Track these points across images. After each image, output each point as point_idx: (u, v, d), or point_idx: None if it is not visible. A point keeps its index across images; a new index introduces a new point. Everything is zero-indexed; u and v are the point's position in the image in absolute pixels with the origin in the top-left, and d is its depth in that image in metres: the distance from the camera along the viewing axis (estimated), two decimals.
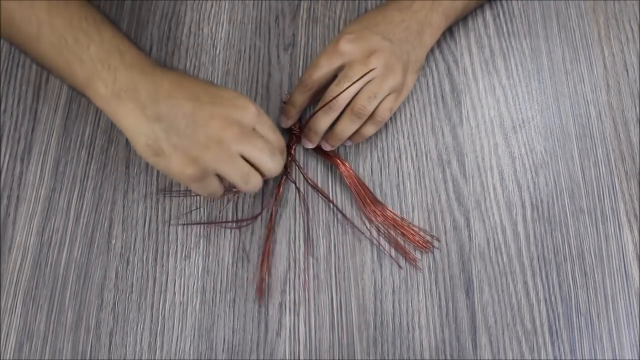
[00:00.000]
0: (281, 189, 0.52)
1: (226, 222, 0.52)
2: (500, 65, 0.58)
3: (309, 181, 0.53)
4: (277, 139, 0.45)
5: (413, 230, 0.51)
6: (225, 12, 0.60)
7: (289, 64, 0.58)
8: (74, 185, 0.53)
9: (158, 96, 0.40)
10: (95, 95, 0.40)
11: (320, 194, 0.53)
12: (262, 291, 0.50)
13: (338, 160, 0.53)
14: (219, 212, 0.53)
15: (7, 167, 0.53)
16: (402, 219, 0.52)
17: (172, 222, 0.52)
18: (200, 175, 0.41)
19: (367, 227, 0.52)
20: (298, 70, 0.58)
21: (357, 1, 0.61)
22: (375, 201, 0.52)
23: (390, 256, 0.51)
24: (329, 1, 0.61)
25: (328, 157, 0.53)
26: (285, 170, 0.53)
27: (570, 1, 0.61)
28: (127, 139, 0.54)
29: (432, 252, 0.52)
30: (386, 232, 0.51)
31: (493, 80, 0.58)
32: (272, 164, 0.44)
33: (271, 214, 0.52)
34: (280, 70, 0.58)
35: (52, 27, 0.40)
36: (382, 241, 0.52)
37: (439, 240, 0.52)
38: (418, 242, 0.51)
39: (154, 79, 0.41)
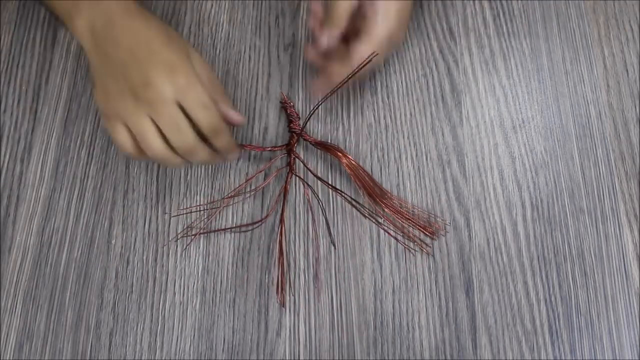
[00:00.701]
0: (287, 187, 0.52)
1: (232, 228, 0.52)
2: (500, 65, 0.58)
3: (315, 174, 0.53)
4: (203, 118, 0.43)
5: (421, 217, 0.51)
6: (225, 12, 0.60)
7: (289, 64, 0.58)
8: (74, 185, 0.53)
9: (108, 37, 0.44)
10: (68, 27, 0.47)
11: (330, 187, 0.53)
12: (283, 295, 0.50)
13: (339, 153, 0.52)
14: (219, 212, 0.53)
15: (7, 167, 0.53)
16: (412, 207, 0.52)
17: (178, 236, 0.52)
18: (110, 114, 0.44)
19: (375, 220, 0.52)
20: (298, 70, 0.58)
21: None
22: (381, 191, 0.52)
23: (403, 245, 0.51)
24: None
25: (329, 151, 0.53)
26: (290, 169, 0.53)
27: (570, 1, 0.61)
28: None
29: (434, 250, 0.52)
30: (395, 221, 0.52)
31: (493, 80, 0.58)
32: (176, 139, 0.43)
33: (281, 215, 0.52)
34: (280, 70, 0.58)
35: None
36: (393, 231, 0.52)
37: (448, 225, 0.52)
38: (427, 229, 0.51)
39: (112, 20, 0.44)
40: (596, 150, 0.55)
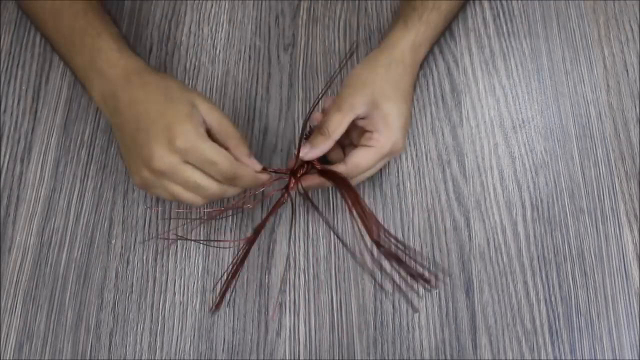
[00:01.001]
0: (276, 210, 0.49)
1: (205, 241, 0.52)
2: (500, 65, 0.58)
3: (314, 206, 0.51)
4: (216, 173, 0.43)
5: (417, 266, 0.45)
6: (225, 12, 0.60)
7: (289, 64, 0.58)
8: (74, 185, 0.53)
9: (116, 109, 0.45)
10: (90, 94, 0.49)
11: (325, 221, 0.52)
12: (221, 302, 0.48)
13: (342, 186, 0.46)
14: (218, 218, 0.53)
15: (7, 167, 0.53)
16: (409, 251, 0.48)
17: (160, 236, 0.52)
18: (140, 186, 0.45)
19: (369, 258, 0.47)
20: (298, 70, 0.58)
21: (357, 1, 0.61)
22: (378, 232, 0.45)
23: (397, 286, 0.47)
24: (329, 1, 0.61)
25: (334, 182, 0.48)
26: (287, 193, 0.48)
27: (570, 1, 0.61)
28: None
29: (434, 251, 0.52)
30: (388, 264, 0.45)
31: (493, 80, 0.58)
32: (201, 195, 0.44)
33: (258, 229, 0.48)
34: (280, 70, 0.58)
35: (57, 39, 0.51)
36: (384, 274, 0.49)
37: (443, 275, 0.51)
38: (423, 277, 0.45)
39: (117, 91, 0.46)
40: (596, 150, 0.55)
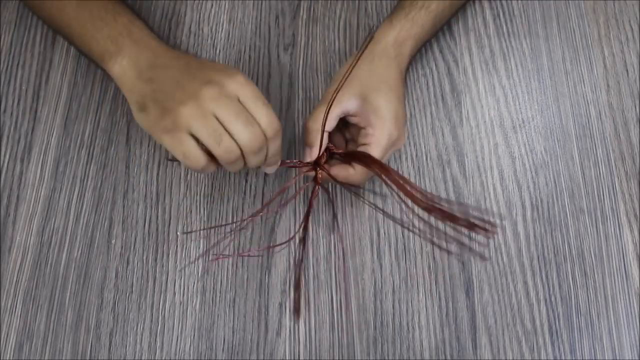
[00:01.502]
0: (312, 203, 0.49)
1: (259, 250, 0.52)
2: (500, 65, 0.58)
3: (347, 187, 0.49)
4: (265, 113, 0.43)
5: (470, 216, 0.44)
6: (225, 12, 0.60)
7: (289, 64, 0.58)
8: (74, 185, 0.53)
9: (155, 64, 0.45)
10: (105, 66, 0.47)
11: (373, 205, 0.51)
12: (299, 311, 0.50)
13: (371, 162, 0.46)
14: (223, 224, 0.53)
15: (7, 167, 0.53)
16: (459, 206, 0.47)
17: (203, 256, 0.52)
18: (172, 127, 0.41)
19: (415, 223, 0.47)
20: (298, 70, 0.58)
21: (357, 1, 0.61)
22: (421, 194, 0.45)
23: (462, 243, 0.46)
24: (329, 1, 0.61)
25: (358, 160, 0.47)
26: (317, 183, 0.48)
27: (570, 1, 0.61)
28: (126, 139, 0.55)
29: (434, 253, 0.52)
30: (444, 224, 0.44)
31: (493, 80, 0.58)
32: (246, 134, 0.41)
33: (303, 235, 0.49)
34: (280, 70, 0.58)
35: (78, 20, 0.49)
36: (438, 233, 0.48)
37: (499, 221, 0.50)
38: (482, 227, 0.43)
39: (156, 52, 0.46)
40: (596, 150, 0.55)
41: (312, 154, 0.47)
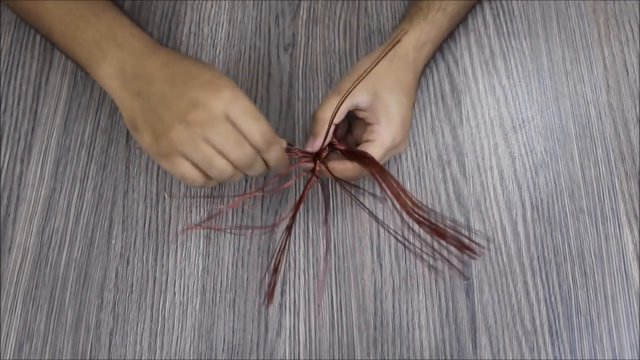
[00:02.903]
0: (305, 194, 0.49)
1: (243, 228, 0.52)
2: (500, 65, 0.58)
3: (344, 186, 0.49)
4: (255, 129, 0.42)
5: (459, 235, 0.46)
6: (225, 12, 0.60)
7: (289, 64, 0.58)
8: (74, 185, 0.53)
9: (140, 74, 0.44)
10: (92, 73, 0.46)
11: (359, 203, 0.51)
12: (272, 295, 0.49)
13: (368, 161, 0.46)
14: (219, 214, 0.53)
15: (7, 167, 0.53)
16: (449, 220, 0.49)
17: (182, 229, 0.52)
18: (165, 152, 0.42)
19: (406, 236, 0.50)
20: (298, 70, 0.58)
21: (357, 1, 0.61)
22: (413, 203, 0.46)
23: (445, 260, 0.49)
24: (329, 1, 0.61)
25: (358, 160, 0.47)
26: (314, 175, 0.48)
27: (570, 1, 0.61)
28: (126, 139, 0.55)
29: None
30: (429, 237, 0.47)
31: (493, 80, 0.58)
32: (236, 155, 0.42)
33: (290, 222, 0.49)
34: (280, 70, 0.58)
35: (59, 19, 0.47)
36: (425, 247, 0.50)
37: (488, 242, 0.51)
38: (466, 246, 0.46)
39: (141, 58, 0.44)
40: (596, 150, 0.55)
41: (315, 145, 0.47)
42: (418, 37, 0.50)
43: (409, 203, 0.45)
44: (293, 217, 0.48)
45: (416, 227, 0.46)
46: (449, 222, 0.51)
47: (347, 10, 0.60)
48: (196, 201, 0.53)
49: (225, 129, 0.41)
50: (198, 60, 0.45)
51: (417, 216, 0.45)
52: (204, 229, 0.52)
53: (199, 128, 0.41)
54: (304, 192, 0.49)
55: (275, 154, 0.44)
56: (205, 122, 0.41)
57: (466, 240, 0.45)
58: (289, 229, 0.48)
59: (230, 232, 0.52)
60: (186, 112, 0.41)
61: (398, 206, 0.45)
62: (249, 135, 0.42)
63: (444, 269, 0.51)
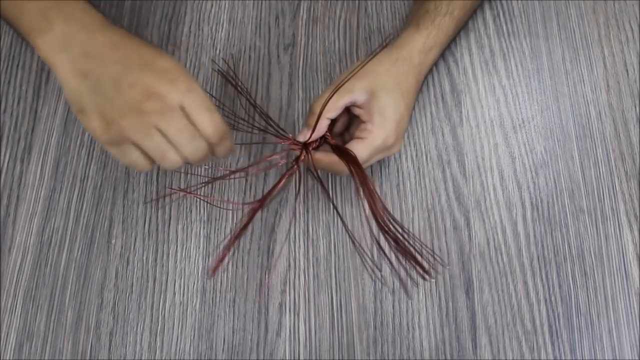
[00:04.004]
0: (282, 182, 0.48)
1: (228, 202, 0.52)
2: (500, 65, 0.58)
3: (320, 183, 0.50)
4: (209, 122, 0.41)
5: (418, 254, 0.46)
6: (225, 12, 0.60)
7: (289, 64, 0.58)
8: (74, 185, 0.53)
9: (89, 53, 0.40)
10: (34, 44, 0.41)
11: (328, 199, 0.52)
12: (216, 269, 0.49)
13: (351, 161, 0.46)
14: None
15: (7, 167, 0.53)
16: (416, 238, 0.50)
17: (161, 195, 0.52)
18: (117, 140, 0.41)
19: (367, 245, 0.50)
20: (298, 70, 0.58)
21: (357, 1, 0.61)
22: (384, 213, 0.47)
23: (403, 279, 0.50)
24: (329, 1, 0.61)
25: (343, 157, 0.47)
26: (296, 164, 0.48)
27: (570, 1, 0.61)
28: None
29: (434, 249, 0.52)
30: (389, 250, 0.48)
31: (493, 80, 0.58)
32: (189, 148, 0.41)
33: (264, 197, 0.48)
34: (280, 70, 0.58)
35: None
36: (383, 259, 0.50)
37: (443, 267, 0.51)
38: (422, 266, 0.46)
39: (91, 35, 0.41)
40: (596, 150, 0.55)
41: (306, 136, 0.47)
42: (425, 41, 0.50)
43: (379, 210, 0.45)
44: (262, 200, 0.47)
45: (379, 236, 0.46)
46: (416, 241, 0.51)
47: (347, 10, 0.60)
48: (196, 201, 0.53)
49: (179, 121, 0.40)
50: (150, 45, 0.43)
51: (382, 224, 0.45)
52: (183, 195, 0.52)
53: (154, 118, 0.40)
54: (281, 178, 0.48)
55: (226, 147, 0.44)
56: (160, 112, 0.40)
57: (424, 262, 0.45)
58: (260, 205, 0.47)
59: (209, 203, 0.52)
60: (141, 100, 0.39)
61: (368, 210, 0.46)
62: (203, 128, 0.41)
63: (392, 278, 0.51)
